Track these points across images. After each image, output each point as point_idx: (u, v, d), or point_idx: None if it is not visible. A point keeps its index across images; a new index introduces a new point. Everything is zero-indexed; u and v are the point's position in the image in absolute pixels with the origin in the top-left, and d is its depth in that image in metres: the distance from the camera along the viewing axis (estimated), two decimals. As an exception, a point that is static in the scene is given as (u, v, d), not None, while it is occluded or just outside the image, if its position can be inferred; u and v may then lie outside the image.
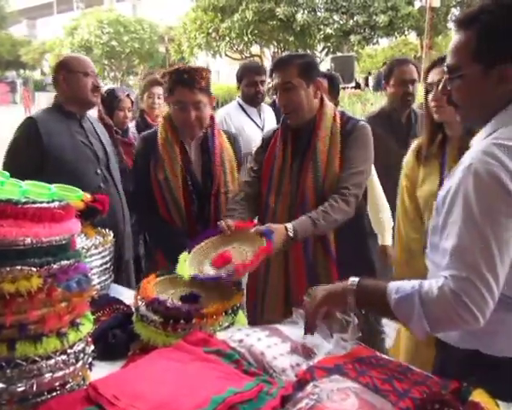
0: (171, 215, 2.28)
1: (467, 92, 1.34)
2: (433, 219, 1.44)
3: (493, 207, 1.20)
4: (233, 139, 2.48)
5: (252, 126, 3.57)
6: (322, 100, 2.16)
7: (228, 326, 1.52)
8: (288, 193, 2.12)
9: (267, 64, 19.71)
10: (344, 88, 12.73)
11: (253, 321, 1.68)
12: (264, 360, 1.27)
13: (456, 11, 18.13)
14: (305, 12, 17.35)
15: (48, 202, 1.16)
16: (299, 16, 17.29)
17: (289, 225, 1.89)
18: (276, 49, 20.33)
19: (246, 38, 18.32)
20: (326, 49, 18.74)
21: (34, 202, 1.13)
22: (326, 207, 1.97)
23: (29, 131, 2.43)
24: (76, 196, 1.31)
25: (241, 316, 1.63)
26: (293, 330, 1.46)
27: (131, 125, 3.61)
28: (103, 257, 1.84)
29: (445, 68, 1.38)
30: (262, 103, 3.73)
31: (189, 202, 2.27)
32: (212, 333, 1.42)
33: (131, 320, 1.59)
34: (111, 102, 3.34)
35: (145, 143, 2.40)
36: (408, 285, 1.29)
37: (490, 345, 1.33)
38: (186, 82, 2.17)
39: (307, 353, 1.32)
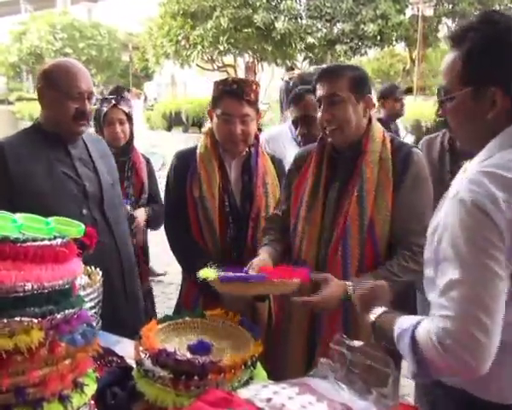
0: (204, 237, 2.27)
1: (458, 116, 1.38)
2: (426, 250, 1.45)
3: (479, 238, 1.21)
4: (277, 163, 2.50)
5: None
6: (370, 120, 2.08)
7: (246, 381, 1.46)
8: (319, 223, 2.06)
9: (240, 74, 19.82)
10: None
11: (274, 374, 1.60)
12: (300, 423, 1.20)
13: (448, 22, 18.54)
14: (286, 19, 17.51)
15: (49, 239, 1.10)
16: (279, 24, 17.44)
17: (349, 282, 1.89)
18: (251, 59, 20.50)
19: (221, 47, 18.38)
20: (308, 60, 18.94)
21: (34, 240, 1.07)
22: (393, 267, 1.93)
23: None
24: (77, 231, 1.24)
25: (260, 369, 1.56)
26: (325, 385, 1.41)
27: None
28: (92, 300, 1.75)
29: (438, 90, 1.42)
30: None
31: (224, 225, 2.27)
32: (231, 391, 1.35)
33: (130, 375, 1.51)
34: (97, 117, 3.12)
35: (181, 158, 2.41)
36: (408, 320, 1.33)
37: (480, 388, 1.32)
38: (234, 93, 2.19)
39: (348, 413, 1.27)
